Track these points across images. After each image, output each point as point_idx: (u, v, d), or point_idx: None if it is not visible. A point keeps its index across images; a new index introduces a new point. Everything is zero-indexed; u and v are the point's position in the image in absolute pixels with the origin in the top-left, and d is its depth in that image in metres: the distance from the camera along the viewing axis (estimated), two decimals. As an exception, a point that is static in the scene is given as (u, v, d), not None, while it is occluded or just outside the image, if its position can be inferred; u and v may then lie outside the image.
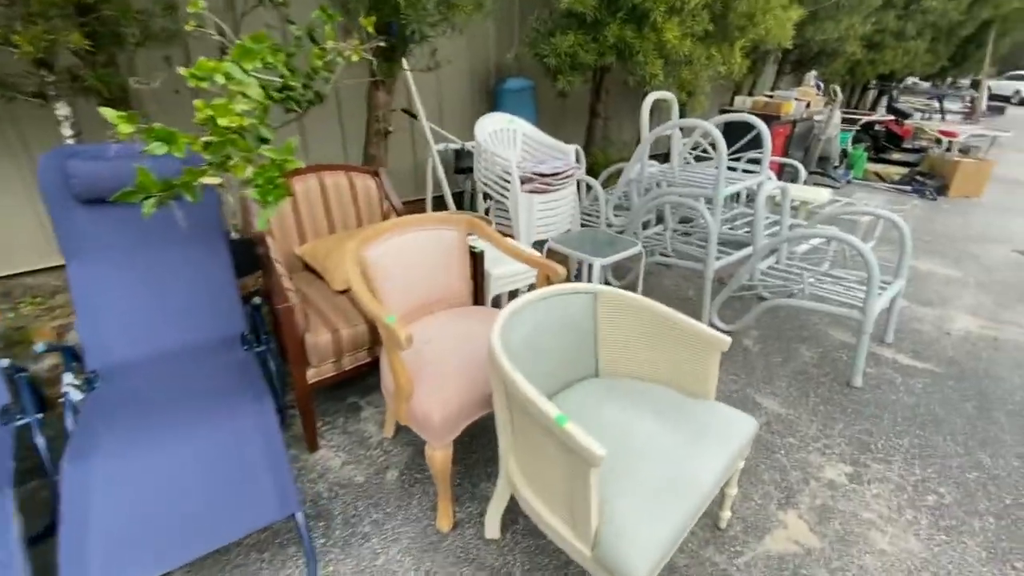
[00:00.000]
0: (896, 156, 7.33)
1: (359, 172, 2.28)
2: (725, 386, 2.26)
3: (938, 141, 6.57)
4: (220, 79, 1.50)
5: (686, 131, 4.29)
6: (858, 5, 5.28)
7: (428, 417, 1.35)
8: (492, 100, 4.59)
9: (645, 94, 4.13)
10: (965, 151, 7.03)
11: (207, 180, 1.45)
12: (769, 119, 4.69)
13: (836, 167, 6.34)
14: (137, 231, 1.83)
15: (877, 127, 7.54)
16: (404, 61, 3.20)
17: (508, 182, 2.71)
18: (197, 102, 1.43)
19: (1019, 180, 6.79)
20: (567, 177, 2.82)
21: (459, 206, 4.06)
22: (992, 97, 20.03)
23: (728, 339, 1.36)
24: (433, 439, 1.37)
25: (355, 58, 2.01)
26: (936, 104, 7.94)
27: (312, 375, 1.70)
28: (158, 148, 1.40)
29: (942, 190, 5.75)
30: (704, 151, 4.27)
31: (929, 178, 5.84)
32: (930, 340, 2.69)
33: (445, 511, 1.51)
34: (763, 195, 2.55)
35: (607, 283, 3.22)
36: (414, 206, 4.17)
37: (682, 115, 5.40)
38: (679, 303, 3.00)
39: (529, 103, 4.53)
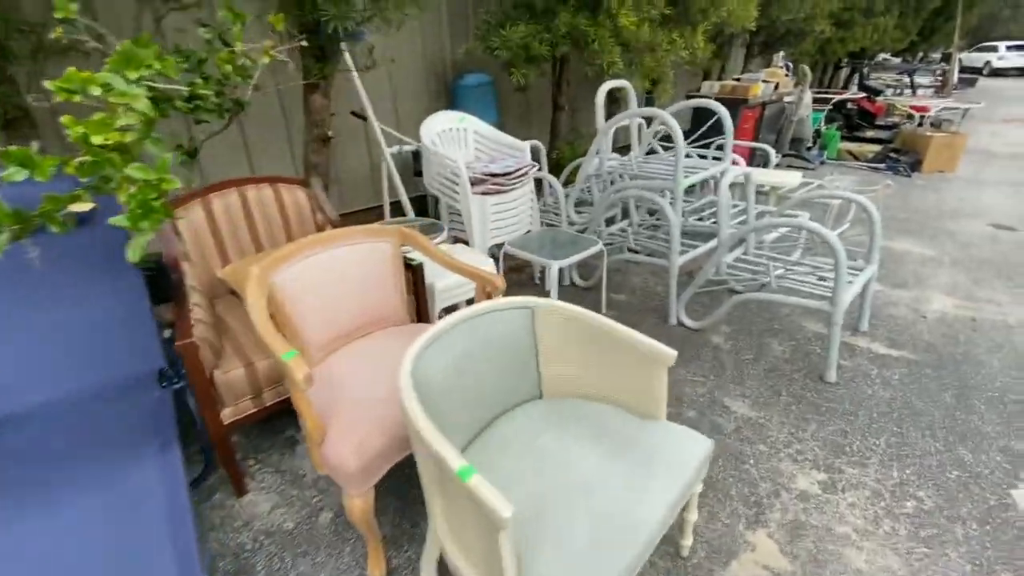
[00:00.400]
0: (870, 134, 7.27)
1: (287, 184, 2.11)
2: (693, 389, 2.12)
3: (910, 116, 6.51)
4: (96, 91, 1.33)
5: (654, 120, 4.15)
6: (821, -18, 5.16)
7: (342, 464, 1.20)
8: (451, 98, 4.42)
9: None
10: (937, 125, 6.98)
11: (78, 207, 1.28)
12: (737, 103, 4.58)
13: (810, 148, 6.25)
14: (26, 261, 1.65)
15: (850, 105, 7.48)
16: (348, 60, 3.02)
17: (458, 184, 2.55)
18: (65, 118, 1.26)
19: (992, 151, 6.76)
20: (521, 176, 2.67)
21: (421, 211, 3.90)
22: (963, 69, 20.21)
23: (673, 353, 1.22)
24: (349, 487, 1.22)
25: (265, 60, 1.85)
26: (907, 79, 7.88)
27: (229, 414, 1.54)
28: (16, 174, 1.22)
29: (916, 166, 5.68)
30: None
31: (903, 154, 5.77)
32: (906, 325, 2.58)
33: (376, 561, 1.36)
34: (725, 183, 2.42)
35: (572, 284, 3.08)
36: (372, 213, 3.99)
37: (649, 103, 5.27)
38: (648, 300, 2.87)
39: (490, 99, 4.36)
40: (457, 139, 2.92)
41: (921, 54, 14.89)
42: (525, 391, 1.45)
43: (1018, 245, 3.58)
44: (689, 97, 4.98)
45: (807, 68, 5.66)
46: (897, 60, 11.85)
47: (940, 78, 11.55)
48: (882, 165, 5.78)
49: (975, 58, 22.22)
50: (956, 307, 2.75)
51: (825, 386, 2.13)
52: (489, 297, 1.60)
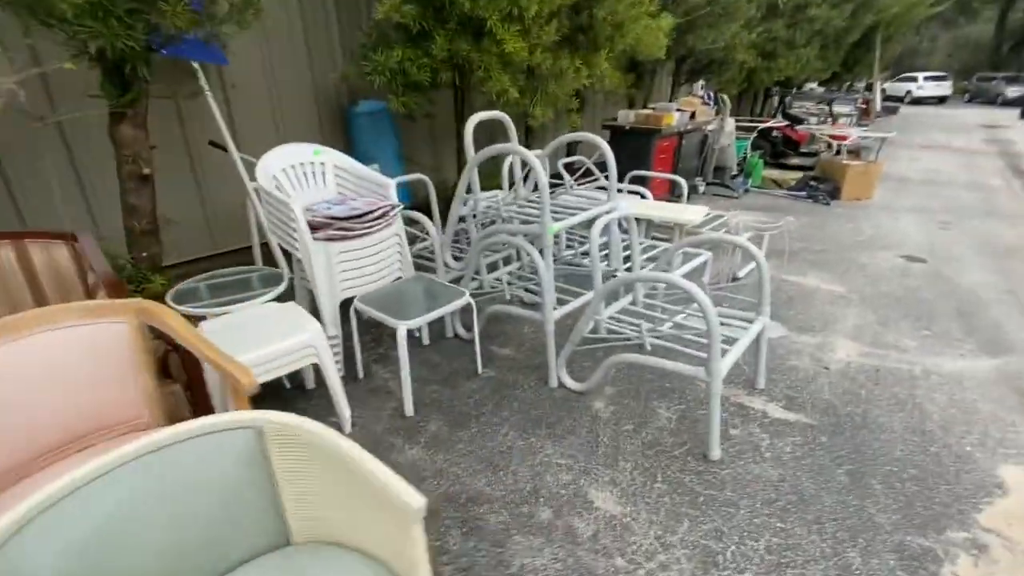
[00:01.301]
0: (794, 161, 7.37)
1: (41, 240, 1.67)
2: (557, 477, 1.78)
3: (829, 145, 6.60)
4: None
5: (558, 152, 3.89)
6: (733, 12, 5.15)
7: None
8: (345, 126, 4.06)
9: (525, 113, 3.71)
10: (857, 153, 7.13)
11: None
12: (650, 133, 4.42)
13: (735, 176, 6.21)
14: None
15: (775, 133, 7.57)
16: (202, 82, 2.64)
17: (296, 229, 2.16)
18: None
19: (908, 178, 6.94)
20: (377, 219, 2.31)
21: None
22: (887, 98, 21.56)
23: (418, 506, 0.86)
24: None
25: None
26: (827, 108, 8.09)
27: None
28: None
29: (835, 194, 5.69)
30: (578, 170, 3.89)
31: (822, 183, 5.79)
32: (807, 379, 2.34)
33: None
34: (596, 230, 2.13)
35: (456, 335, 2.72)
36: (247, 253, 3.54)
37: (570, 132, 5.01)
38: (536, 355, 2.54)
39: (387, 127, 4.03)
40: (312, 175, 2.54)
41: (848, 83, 15.72)
42: (260, 539, 1.05)
43: (927, 280, 3.47)
44: (604, 127, 4.81)
45: (726, 97, 5.63)
46: (822, 89, 12.37)
47: (863, 106, 12.12)
48: (803, 193, 5.77)
49: (897, 87, 23.73)
50: (861, 355, 2.55)
51: (708, 466, 1.83)
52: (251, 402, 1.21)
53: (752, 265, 3.55)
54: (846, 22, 9.79)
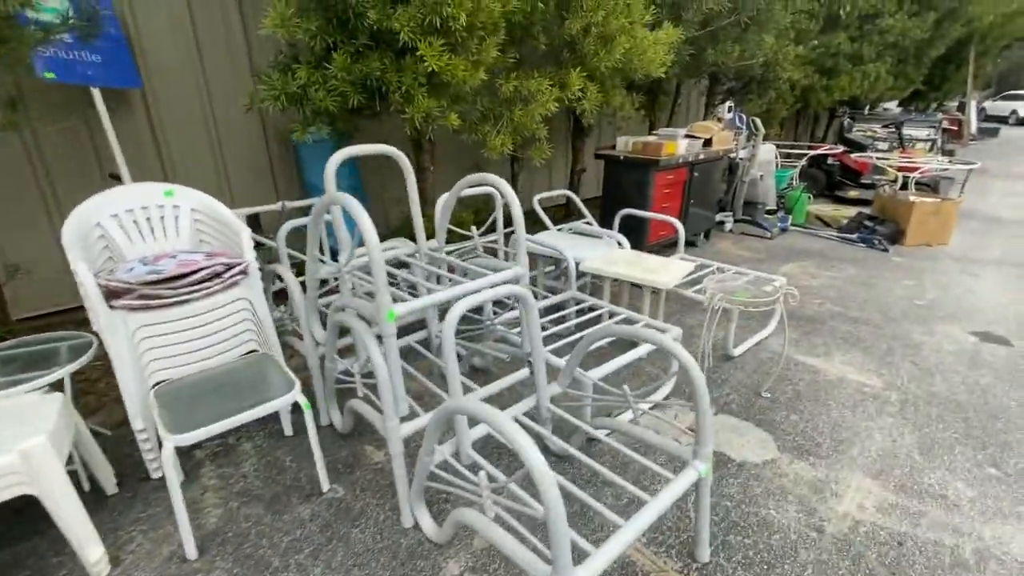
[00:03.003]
0: (852, 194, 6.29)
1: None
2: None
3: (896, 178, 5.51)
4: None
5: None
6: (764, 21, 4.33)
7: None
8: (297, 157, 3.67)
9: (482, 144, 3.16)
10: (934, 186, 5.95)
11: None
12: (648, 164, 3.70)
13: (773, 212, 5.29)
14: None
15: (831, 161, 6.53)
16: (99, 105, 2.30)
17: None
18: None
19: (998, 217, 5.67)
20: (206, 281, 1.80)
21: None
22: (987, 119, 19.07)
23: None
24: None
25: None
26: (896, 132, 6.91)
27: None
28: None
29: (896, 237, 4.65)
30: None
31: (879, 223, 4.75)
32: (782, 550, 1.55)
33: None
34: (454, 315, 1.48)
35: (330, 425, 2.14)
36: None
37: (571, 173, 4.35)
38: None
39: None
40: (159, 222, 2.08)
41: (936, 103, 13.89)
42: None
43: (1006, 376, 2.50)
44: (597, 157, 4.13)
45: (758, 121, 4.78)
46: (899, 110, 10.91)
47: (952, 128, 10.54)
48: (854, 236, 4.76)
49: (1000, 107, 21.23)
50: (880, 509, 1.71)
51: None
52: None
53: (762, 334, 2.76)
54: (927, 33, 8.49)
